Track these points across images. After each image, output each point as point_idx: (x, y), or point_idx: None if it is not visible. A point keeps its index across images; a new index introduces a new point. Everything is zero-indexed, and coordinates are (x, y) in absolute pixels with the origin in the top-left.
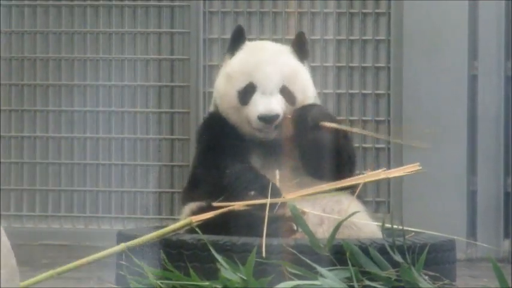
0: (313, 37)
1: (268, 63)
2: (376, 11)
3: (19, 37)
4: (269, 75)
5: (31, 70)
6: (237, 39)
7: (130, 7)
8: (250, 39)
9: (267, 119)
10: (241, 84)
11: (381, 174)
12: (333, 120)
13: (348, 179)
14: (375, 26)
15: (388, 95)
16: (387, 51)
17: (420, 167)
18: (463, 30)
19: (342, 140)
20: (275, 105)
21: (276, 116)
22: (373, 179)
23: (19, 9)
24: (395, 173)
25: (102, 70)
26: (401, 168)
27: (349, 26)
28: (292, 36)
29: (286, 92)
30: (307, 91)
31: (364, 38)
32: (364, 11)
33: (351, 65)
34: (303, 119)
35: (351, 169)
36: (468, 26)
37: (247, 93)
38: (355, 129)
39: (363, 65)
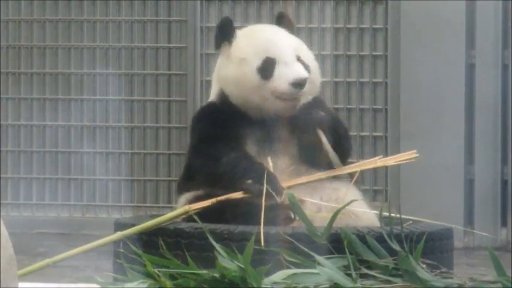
0: (310, 25)
1: (278, 36)
2: None
3: (16, 26)
4: (285, 45)
5: (28, 58)
6: (227, 31)
7: None
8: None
9: (300, 83)
10: (258, 61)
11: (378, 162)
12: (333, 118)
13: (345, 166)
14: (373, 15)
15: (386, 83)
16: (385, 39)
17: (417, 155)
18: (460, 19)
19: (341, 136)
20: (302, 69)
21: (306, 79)
22: (370, 166)
23: None
24: (392, 160)
25: (99, 58)
26: (398, 155)
27: (347, 14)
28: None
29: (301, 62)
30: (314, 63)
31: (361, 26)
32: None
33: (348, 53)
34: (307, 124)
35: (347, 160)
36: (466, 14)
37: (267, 67)
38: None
39: (360, 53)
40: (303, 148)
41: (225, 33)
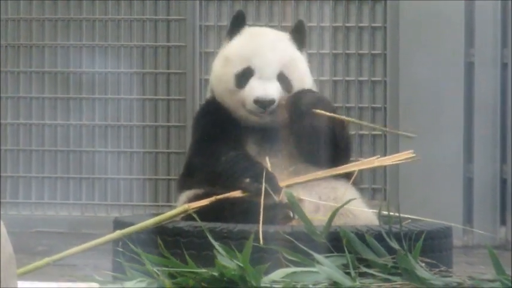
0: (309, 24)
1: (267, 48)
2: None
3: (15, 24)
4: (267, 60)
5: (27, 57)
6: (237, 24)
7: None
8: (249, 26)
9: (262, 103)
10: (238, 67)
11: (375, 161)
12: (328, 106)
13: (342, 166)
14: (372, 13)
15: (385, 82)
16: (383, 38)
17: (414, 155)
18: (459, 18)
19: (337, 126)
20: (271, 90)
21: (272, 101)
22: (367, 166)
23: None
24: (389, 160)
25: (98, 57)
26: (395, 155)
27: (346, 12)
28: (288, 24)
29: (283, 79)
30: (305, 80)
31: (360, 25)
32: None
33: (347, 52)
34: (297, 105)
35: (346, 155)
36: (465, 13)
37: (244, 77)
38: (349, 118)
39: (359, 52)
40: (301, 137)
41: (231, 27)
